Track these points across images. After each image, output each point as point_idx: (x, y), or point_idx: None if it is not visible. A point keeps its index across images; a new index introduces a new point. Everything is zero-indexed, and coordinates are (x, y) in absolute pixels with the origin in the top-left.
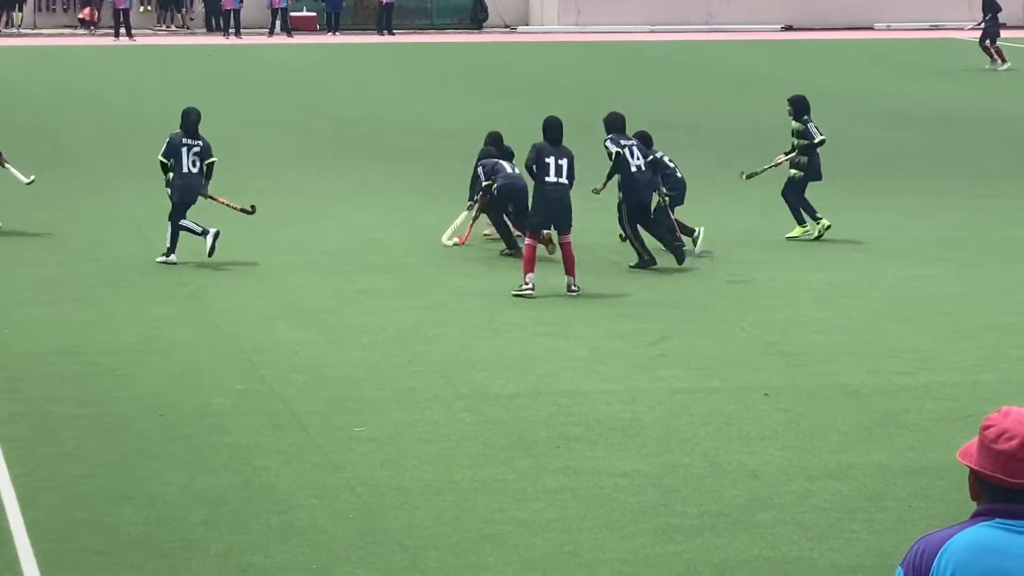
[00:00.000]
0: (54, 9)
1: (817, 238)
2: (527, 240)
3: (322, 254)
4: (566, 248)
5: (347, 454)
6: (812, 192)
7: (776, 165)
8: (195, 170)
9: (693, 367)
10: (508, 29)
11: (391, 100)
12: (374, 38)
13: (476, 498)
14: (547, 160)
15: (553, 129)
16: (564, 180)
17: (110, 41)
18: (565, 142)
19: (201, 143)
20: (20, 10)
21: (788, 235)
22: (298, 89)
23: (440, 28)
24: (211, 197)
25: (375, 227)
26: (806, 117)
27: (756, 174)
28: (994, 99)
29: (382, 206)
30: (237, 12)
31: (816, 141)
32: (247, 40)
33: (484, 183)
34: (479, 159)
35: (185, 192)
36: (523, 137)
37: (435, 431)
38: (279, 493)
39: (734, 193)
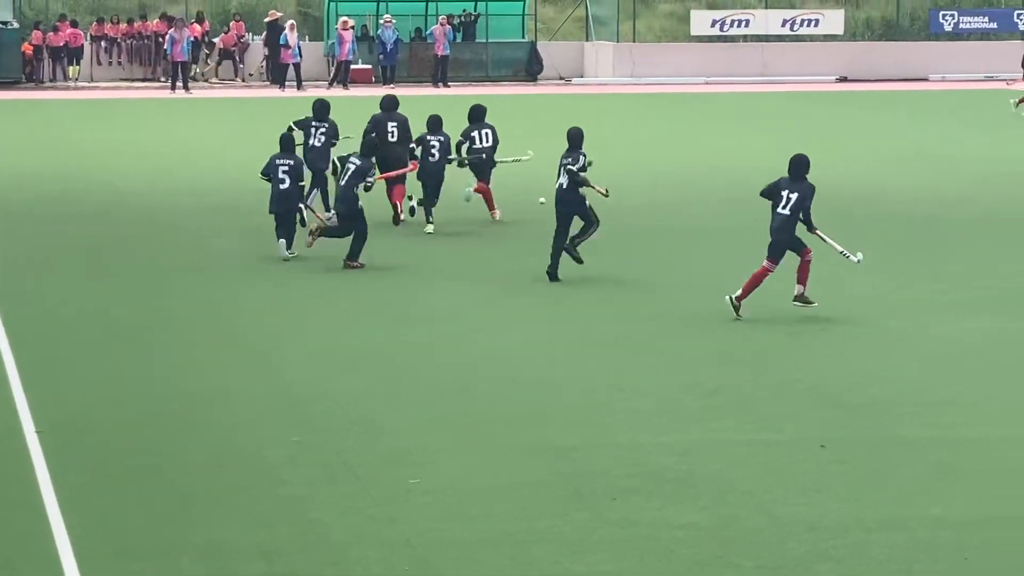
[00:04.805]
0: (111, 63)
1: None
2: (765, 264)
3: (374, 307)
4: (803, 264)
5: (403, 506)
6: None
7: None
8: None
9: (749, 419)
10: (563, 81)
11: None
12: (429, 90)
13: (533, 550)
14: (781, 192)
15: (795, 165)
16: (787, 212)
17: (167, 94)
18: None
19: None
20: (77, 64)
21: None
22: None
23: (495, 80)
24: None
25: (424, 283)
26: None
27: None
28: None
29: None
30: (298, 65)
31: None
32: (311, 92)
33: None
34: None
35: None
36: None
37: (490, 483)
38: (334, 545)
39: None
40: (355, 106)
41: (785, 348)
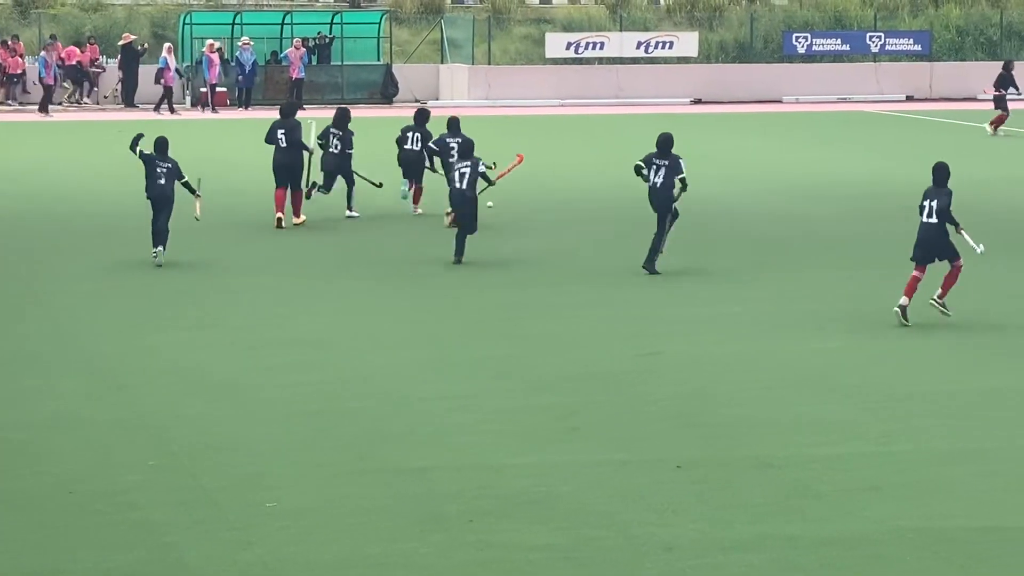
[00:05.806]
0: None
1: None
2: (915, 272)
3: (229, 329)
4: (952, 272)
5: (259, 530)
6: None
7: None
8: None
9: (605, 440)
10: (418, 103)
11: None
12: None
13: (389, 573)
14: (923, 203)
15: (937, 172)
16: (932, 219)
17: (25, 117)
18: None
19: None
20: None
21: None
22: None
23: (351, 103)
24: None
25: (283, 301)
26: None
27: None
28: (908, 170)
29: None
30: (171, 89)
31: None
32: (185, 116)
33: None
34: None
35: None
36: None
37: (347, 506)
38: (190, 569)
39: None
40: (217, 127)
41: (640, 369)
